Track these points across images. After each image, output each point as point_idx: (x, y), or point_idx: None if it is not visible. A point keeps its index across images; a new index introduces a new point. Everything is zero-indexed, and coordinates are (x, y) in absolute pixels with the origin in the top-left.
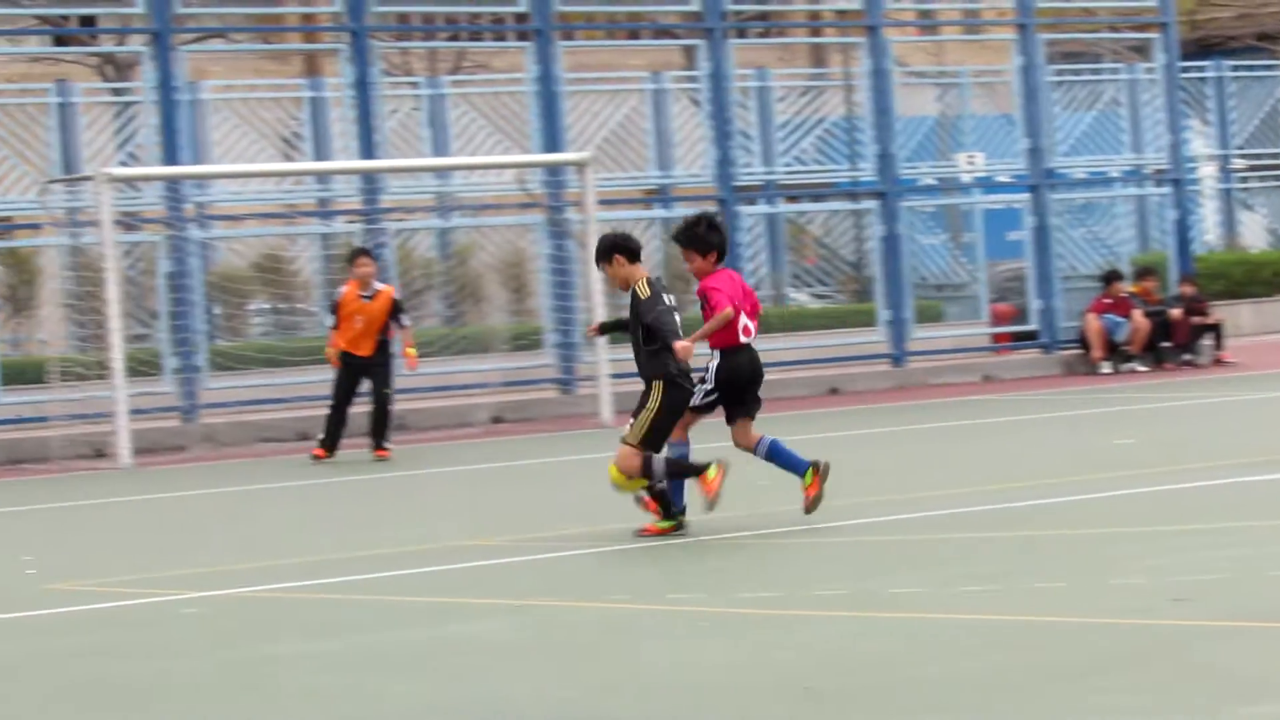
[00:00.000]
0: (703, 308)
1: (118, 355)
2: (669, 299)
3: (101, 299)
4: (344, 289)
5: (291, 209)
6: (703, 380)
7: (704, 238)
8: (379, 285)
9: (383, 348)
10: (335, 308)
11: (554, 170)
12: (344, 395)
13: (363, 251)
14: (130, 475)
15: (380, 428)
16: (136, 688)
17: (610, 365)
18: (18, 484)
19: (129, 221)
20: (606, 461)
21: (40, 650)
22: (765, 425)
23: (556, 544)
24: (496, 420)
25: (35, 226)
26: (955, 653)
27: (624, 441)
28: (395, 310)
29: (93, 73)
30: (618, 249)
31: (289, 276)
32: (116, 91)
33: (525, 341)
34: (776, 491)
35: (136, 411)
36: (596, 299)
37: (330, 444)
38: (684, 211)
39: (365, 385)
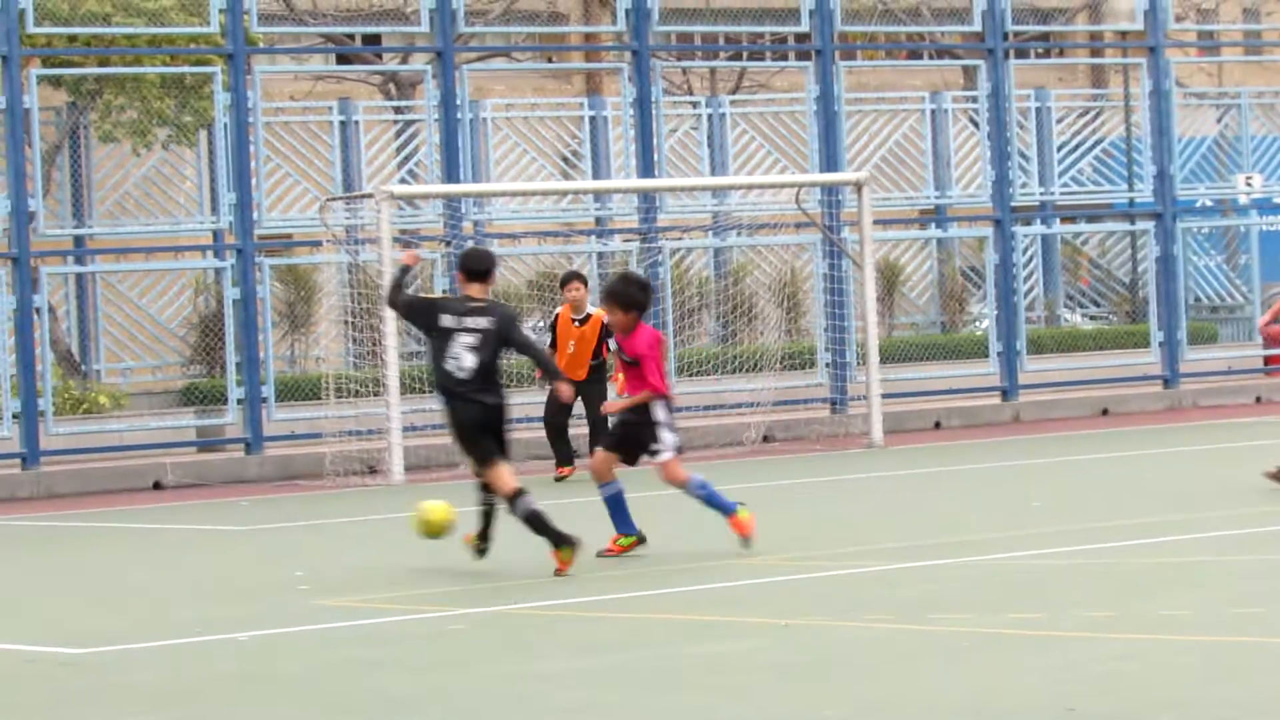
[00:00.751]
0: (623, 362)
1: (393, 372)
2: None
3: (378, 316)
4: (558, 313)
5: (568, 227)
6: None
7: (634, 297)
8: (591, 309)
9: (596, 371)
10: (552, 327)
11: (831, 190)
12: (555, 412)
13: (575, 275)
14: (402, 491)
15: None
16: (409, 701)
17: (882, 385)
18: (291, 499)
19: (407, 239)
20: (868, 482)
21: (314, 664)
22: (1040, 446)
23: (819, 563)
24: (766, 439)
25: (315, 244)
26: (1222, 676)
27: None
28: (605, 334)
29: (374, 91)
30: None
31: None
32: (398, 110)
33: (797, 360)
34: (1046, 513)
35: (410, 429)
36: (870, 318)
37: (566, 459)
38: (960, 233)
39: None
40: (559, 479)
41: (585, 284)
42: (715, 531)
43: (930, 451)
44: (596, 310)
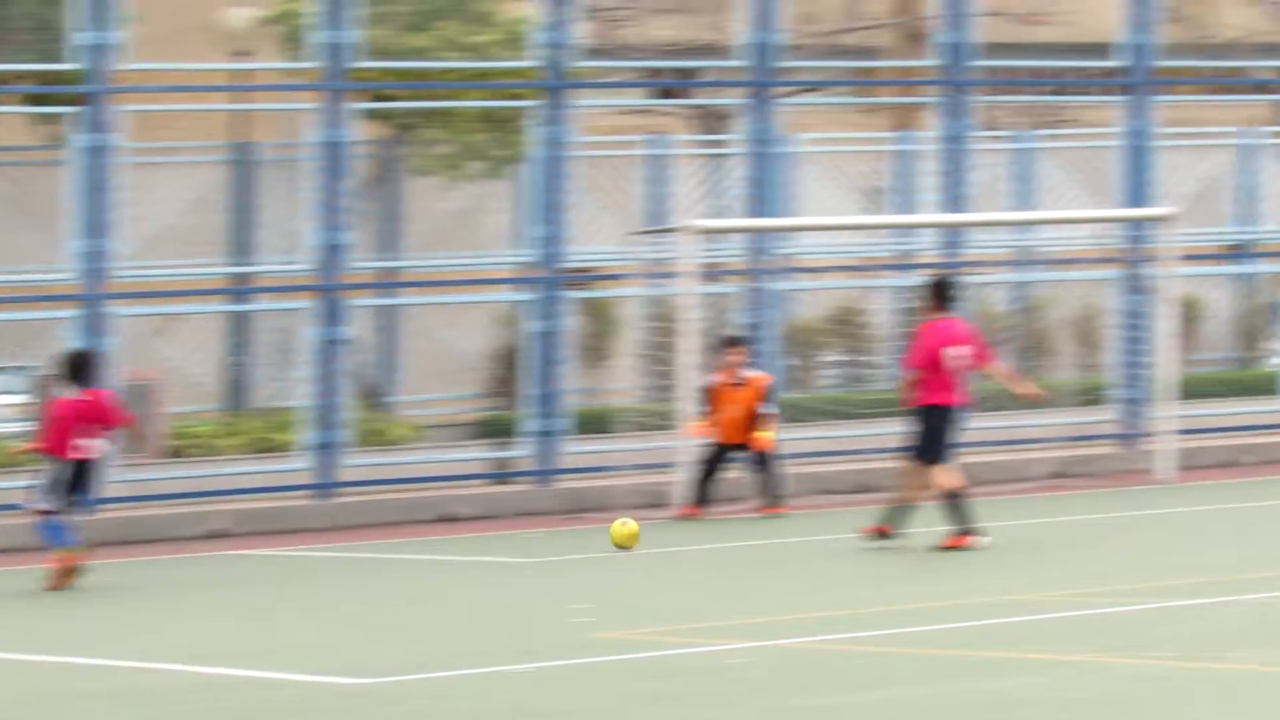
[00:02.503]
0: None
1: (686, 406)
2: None
3: (676, 349)
4: (716, 377)
5: (871, 262)
6: None
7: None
8: (747, 373)
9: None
10: (707, 396)
11: (1135, 224)
12: (713, 462)
13: (734, 340)
14: (676, 528)
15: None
16: None
17: (1178, 422)
18: (579, 532)
19: (711, 273)
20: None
21: (591, 696)
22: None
23: (1101, 598)
24: (1057, 475)
25: (618, 277)
26: None
27: None
28: (764, 397)
29: (685, 124)
30: None
31: (863, 329)
32: (711, 144)
33: (1091, 396)
34: None
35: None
36: (1171, 354)
37: (702, 500)
38: (1268, 269)
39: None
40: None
41: (744, 348)
42: (991, 566)
43: (1222, 489)
44: (755, 374)
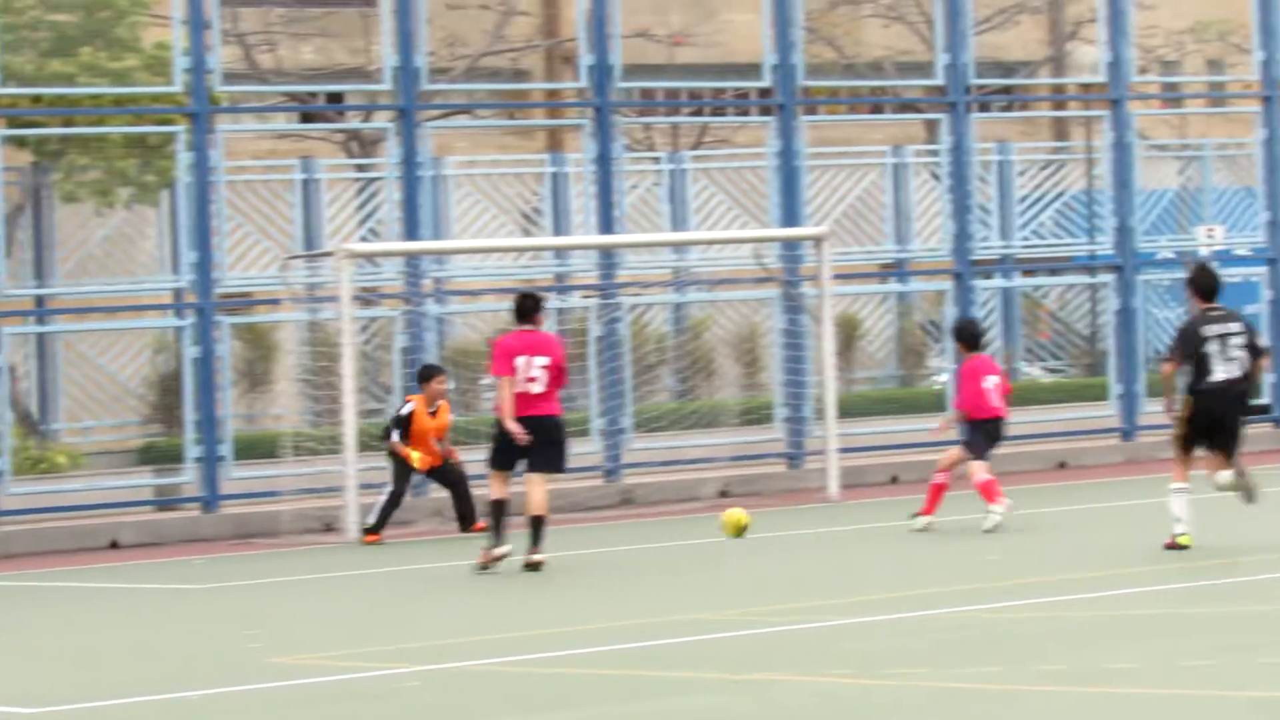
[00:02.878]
0: None
1: (351, 430)
2: None
3: (337, 374)
4: (414, 405)
5: (529, 284)
6: None
7: None
8: (441, 402)
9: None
10: (405, 424)
11: (790, 244)
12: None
13: (434, 369)
14: (358, 549)
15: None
16: None
17: (839, 440)
18: (247, 558)
19: (367, 297)
20: (823, 536)
21: None
22: (973, 502)
23: (773, 618)
24: (724, 494)
25: (274, 302)
26: None
27: None
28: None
29: (337, 149)
30: None
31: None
32: (360, 167)
33: (755, 416)
34: (1001, 566)
35: (367, 486)
36: (829, 372)
37: (382, 525)
38: (920, 286)
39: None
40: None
41: (445, 377)
42: (676, 587)
43: (886, 506)
44: (445, 402)
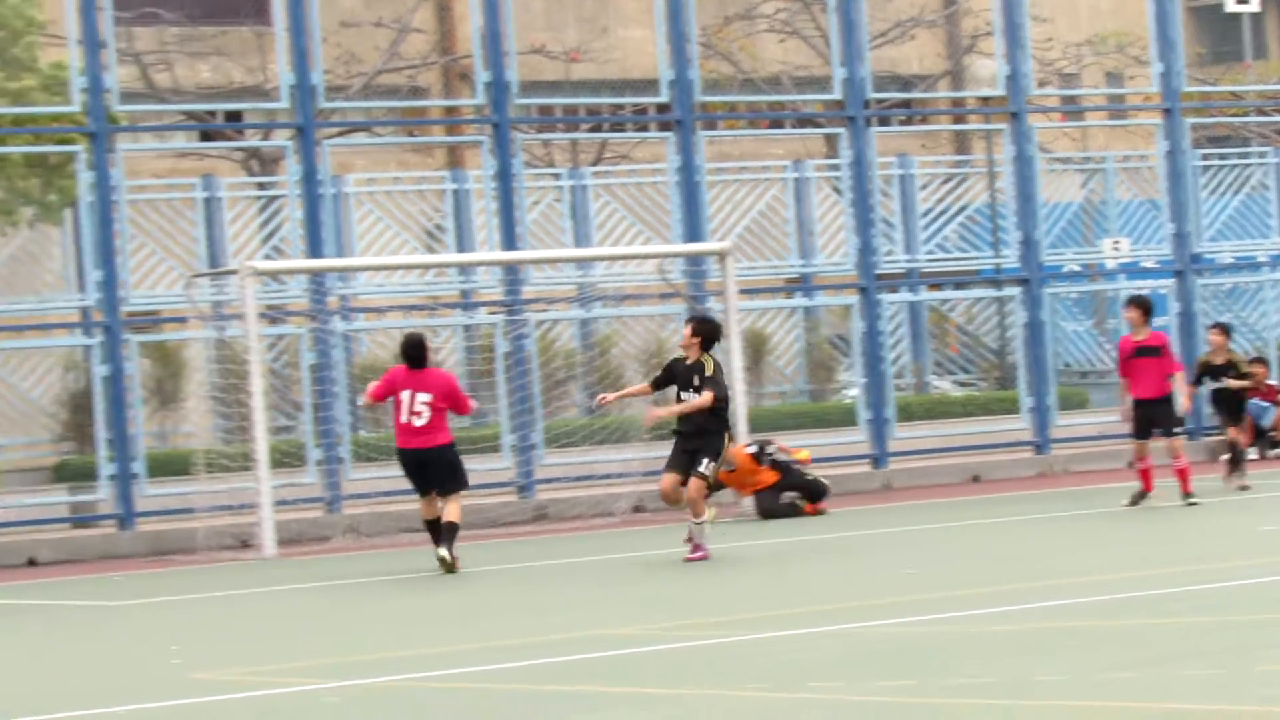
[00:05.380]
0: None
1: (262, 447)
2: None
3: (246, 391)
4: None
5: (434, 300)
6: None
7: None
8: None
9: None
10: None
11: (695, 260)
12: None
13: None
14: (275, 565)
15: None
16: None
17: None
18: (164, 575)
19: (273, 315)
20: (741, 551)
21: None
22: (911, 514)
23: (688, 633)
24: (638, 509)
25: (181, 320)
26: None
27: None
28: None
29: (238, 167)
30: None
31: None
32: (261, 186)
33: (664, 431)
34: (918, 580)
35: (281, 503)
36: (737, 387)
37: None
38: (826, 301)
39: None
40: None
41: None
42: (593, 602)
43: (800, 521)
44: None
